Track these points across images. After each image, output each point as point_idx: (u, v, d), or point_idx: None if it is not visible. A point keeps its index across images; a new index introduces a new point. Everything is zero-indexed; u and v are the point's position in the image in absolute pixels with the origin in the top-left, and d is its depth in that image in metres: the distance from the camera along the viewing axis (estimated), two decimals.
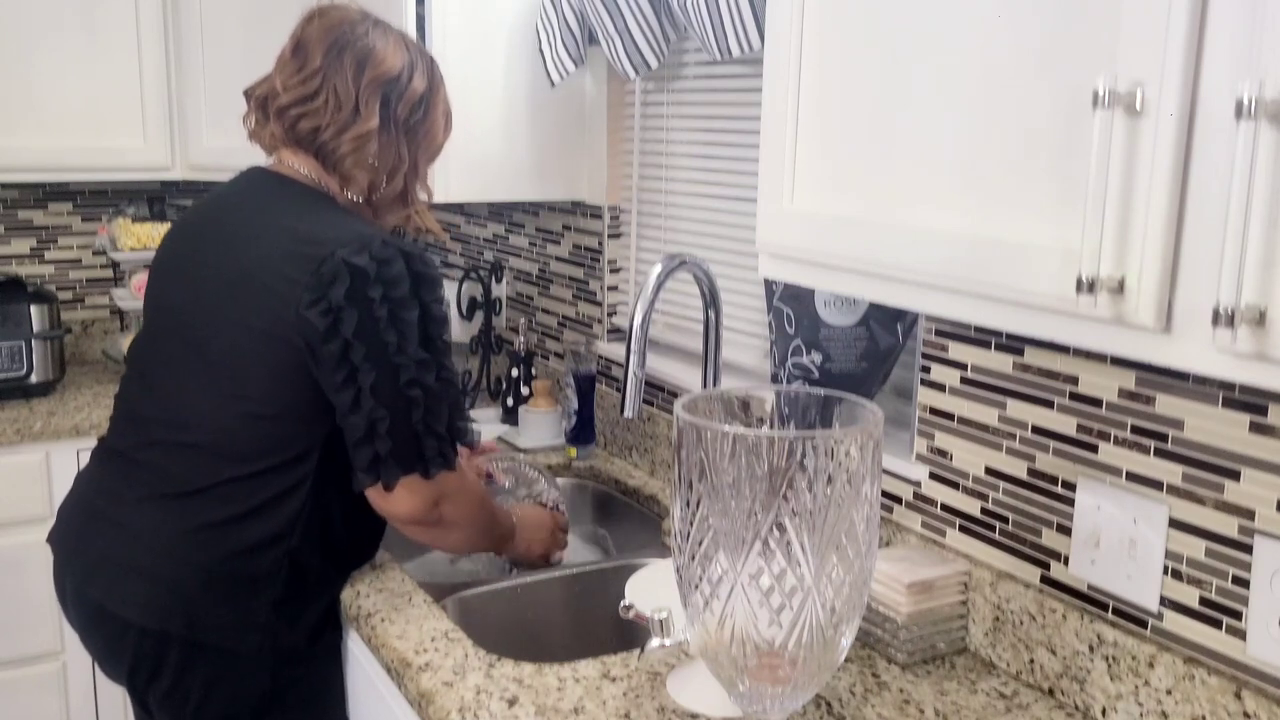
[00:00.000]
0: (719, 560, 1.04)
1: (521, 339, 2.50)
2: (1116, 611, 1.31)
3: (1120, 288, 0.90)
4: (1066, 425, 1.35)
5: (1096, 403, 1.32)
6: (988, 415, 1.46)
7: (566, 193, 2.37)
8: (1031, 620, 1.39)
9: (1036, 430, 1.39)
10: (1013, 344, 1.42)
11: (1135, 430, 1.28)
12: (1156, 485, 1.26)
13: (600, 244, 2.37)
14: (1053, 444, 1.38)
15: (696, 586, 1.07)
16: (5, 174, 2.74)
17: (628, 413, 1.72)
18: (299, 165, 1.63)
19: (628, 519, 2.17)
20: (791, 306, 1.63)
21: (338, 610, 1.66)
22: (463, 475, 1.61)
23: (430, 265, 1.53)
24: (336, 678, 1.70)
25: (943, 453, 1.53)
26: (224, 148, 2.73)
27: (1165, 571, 1.26)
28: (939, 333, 1.52)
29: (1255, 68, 0.80)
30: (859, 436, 1.03)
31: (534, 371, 2.49)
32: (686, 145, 2.15)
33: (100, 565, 1.60)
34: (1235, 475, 1.18)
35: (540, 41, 2.20)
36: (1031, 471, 1.41)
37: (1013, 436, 1.43)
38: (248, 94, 1.68)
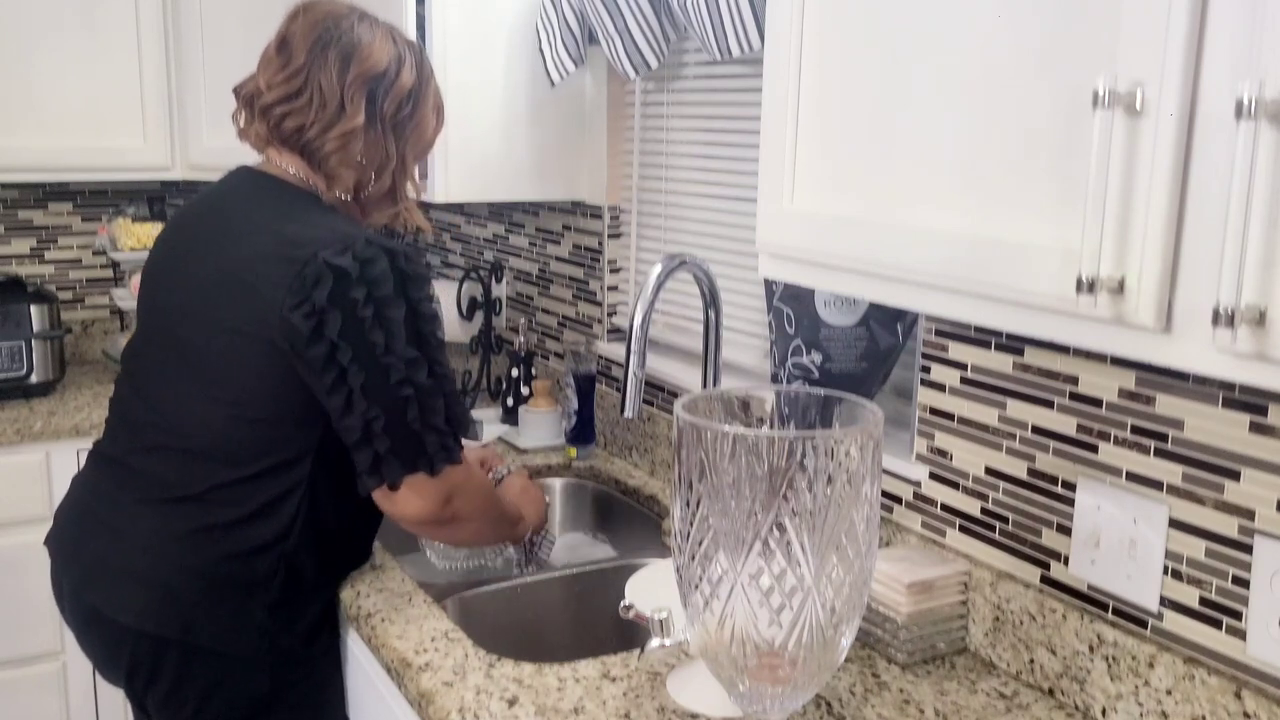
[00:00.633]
0: (719, 560, 1.04)
1: (521, 339, 2.50)
2: (1116, 611, 1.31)
3: (1120, 288, 0.90)
4: (1066, 425, 1.35)
5: (1096, 403, 1.32)
6: (988, 415, 1.46)
7: (566, 193, 2.37)
8: (1031, 620, 1.39)
9: (1036, 430, 1.39)
10: (1013, 344, 1.42)
11: (1135, 430, 1.28)
12: (1156, 485, 1.26)
13: (600, 244, 2.37)
14: (1053, 444, 1.38)
15: (696, 586, 1.07)
16: (5, 174, 2.74)
17: (628, 413, 1.72)
18: (286, 164, 1.62)
19: (628, 519, 2.17)
20: (791, 306, 1.63)
21: (335, 612, 1.66)
22: (469, 468, 1.59)
23: (416, 263, 1.52)
24: (335, 679, 1.70)
25: (943, 453, 1.53)
26: (224, 148, 2.71)
27: (1165, 571, 1.26)
28: (939, 333, 1.52)
29: (1255, 68, 0.80)
30: (859, 436, 1.03)
31: (534, 371, 2.49)
32: (686, 145, 2.15)
33: (96, 570, 1.59)
34: (1235, 475, 1.18)
35: (540, 41, 2.20)
36: (1031, 471, 1.41)
37: (1013, 436, 1.43)
38: (236, 91, 1.67)
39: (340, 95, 1.57)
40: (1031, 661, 1.40)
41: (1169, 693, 1.24)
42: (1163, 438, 1.25)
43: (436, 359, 1.51)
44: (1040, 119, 0.98)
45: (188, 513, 1.54)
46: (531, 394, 2.42)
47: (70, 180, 3.03)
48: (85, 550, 1.62)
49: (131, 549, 1.56)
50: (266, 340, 1.47)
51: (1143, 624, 1.29)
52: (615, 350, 2.33)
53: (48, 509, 2.48)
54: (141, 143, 2.80)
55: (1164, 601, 1.26)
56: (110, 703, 2.61)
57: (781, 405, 1.19)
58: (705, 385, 1.89)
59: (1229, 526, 1.19)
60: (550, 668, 1.41)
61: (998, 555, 1.46)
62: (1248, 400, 1.16)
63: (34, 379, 2.70)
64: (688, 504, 1.06)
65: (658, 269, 1.71)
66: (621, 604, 1.41)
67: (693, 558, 1.06)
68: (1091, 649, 1.32)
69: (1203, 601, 1.22)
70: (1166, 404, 1.24)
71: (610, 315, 2.38)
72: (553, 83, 2.21)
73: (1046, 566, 1.40)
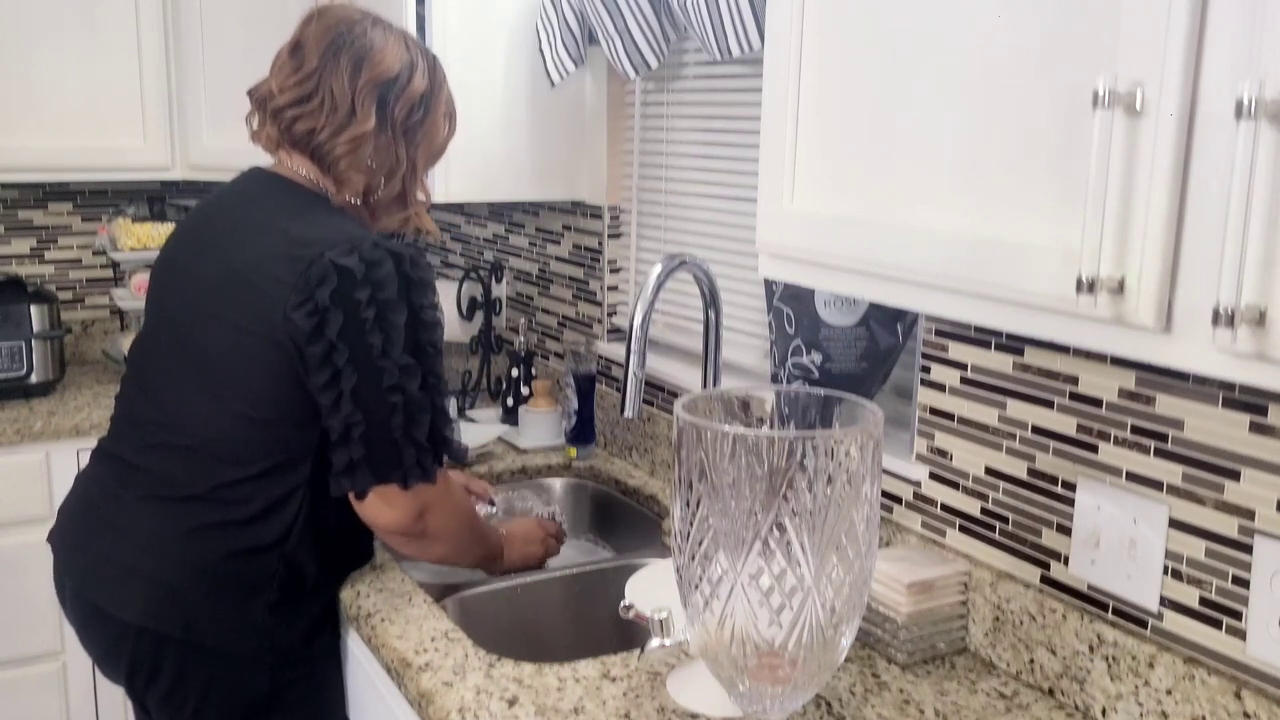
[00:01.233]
0: (719, 560, 1.04)
1: (521, 339, 2.50)
2: (1116, 611, 1.31)
3: (1120, 288, 0.90)
4: (1066, 425, 1.35)
5: (1096, 403, 1.32)
6: (988, 415, 1.46)
7: (566, 193, 2.37)
8: (1031, 620, 1.39)
9: (1036, 430, 1.39)
10: (1013, 344, 1.42)
11: (1135, 430, 1.28)
12: (1156, 485, 1.26)
13: (600, 244, 2.37)
14: (1053, 444, 1.38)
15: (696, 586, 1.07)
16: (5, 174, 2.74)
17: (628, 413, 1.72)
18: (297, 166, 1.63)
19: (628, 519, 2.17)
20: (791, 306, 1.63)
21: (335, 611, 1.66)
22: (447, 487, 1.59)
23: (423, 268, 1.51)
24: (335, 678, 1.70)
25: (943, 453, 1.53)
26: (224, 148, 2.74)
27: (1165, 571, 1.26)
28: (939, 333, 1.52)
29: (1255, 68, 0.80)
30: (859, 436, 1.03)
31: (534, 371, 2.49)
32: (686, 145, 2.15)
33: (98, 567, 1.60)
34: (1235, 475, 1.18)
35: (540, 41, 2.20)
36: (1031, 471, 1.41)
37: (1013, 436, 1.43)
38: (250, 94, 1.67)
39: (351, 99, 1.58)
40: (1031, 661, 1.40)
41: (1169, 693, 1.24)
42: (1163, 438, 1.25)
43: (431, 369, 1.51)
44: (1040, 119, 0.98)
45: (190, 511, 1.54)
46: (531, 394, 2.42)
47: (70, 180, 3.03)
48: (88, 547, 1.62)
49: (133, 546, 1.57)
50: (271, 339, 1.47)
51: (1143, 624, 1.29)
52: (615, 350, 2.33)
53: (48, 509, 2.49)
54: (141, 143, 2.80)
55: (1164, 601, 1.26)
56: (110, 702, 2.61)
57: (781, 405, 1.19)
58: (705, 385, 1.89)
59: (1229, 526, 1.19)
60: (550, 668, 1.41)
61: (998, 555, 1.46)
62: (1248, 400, 1.16)
63: (34, 379, 2.70)
64: (688, 504, 1.06)
65: (658, 269, 1.71)
66: (621, 604, 1.41)
67: (693, 558, 1.06)
68: (1091, 649, 1.32)
69: (1203, 601, 1.22)
70: (1166, 404, 1.24)
71: (610, 315, 2.38)
72: (553, 83, 2.21)
73: (1046, 566, 1.40)
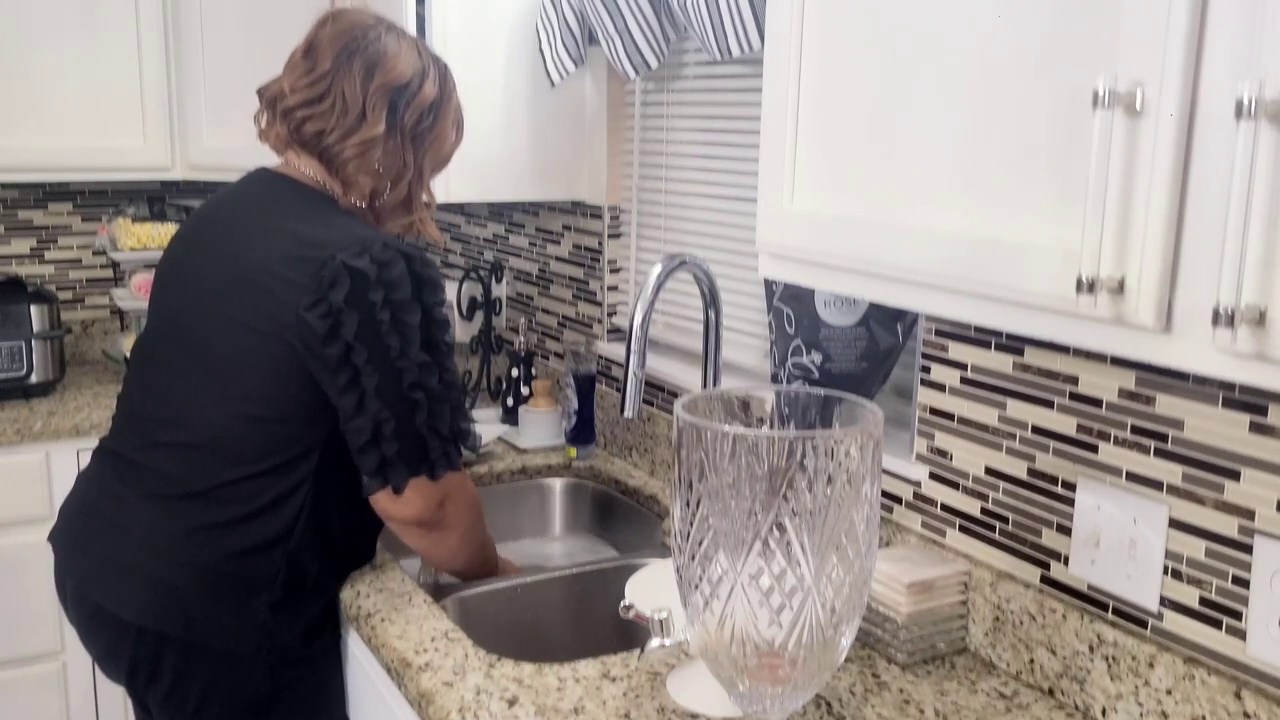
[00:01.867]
0: (719, 560, 1.04)
1: (521, 339, 2.50)
2: (1116, 611, 1.31)
3: (1120, 288, 0.90)
4: (1066, 425, 1.35)
5: (1096, 403, 1.32)
6: (988, 415, 1.46)
7: (566, 193, 2.37)
8: (1031, 620, 1.39)
9: (1036, 430, 1.39)
10: (1013, 344, 1.42)
11: (1135, 430, 1.28)
12: (1156, 485, 1.26)
13: (600, 244, 2.37)
14: (1053, 444, 1.38)
15: (696, 586, 1.07)
16: (5, 174, 2.74)
17: (628, 413, 1.72)
18: (304, 167, 1.63)
19: (628, 519, 2.17)
20: (791, 306, 1.63)
21: (336, 611, 1.66)
22: (464, 477, 1.61)
23: (432, 267, 1.53)
24: (336, 678, 1.70)
25: (943, 453, 1.53)
26: (224, 148, 2.74)
27: (1165, 571, 1.26)
28: (939, 333, 1.52)
29: (1255, 68, 0.80)
30: (859, 436, 1.03)
31: (534, 371, 2.49)
32: (686, 145, 2.15)
33: (100, 566, 1.60)
34: (1235, 475, 1.18)
35: (540, 41, 2.20)
36: (1031, 471, 1.41)
37: (1013, 436, 1.43)
38: (260, 93, 1.68)
39: (362, 103, 1.59)
40: (1031, 661, 1.40)
41: (1169, 693, 1.24)
42: (1163, 438, 1.25)
43: (446, 365, 1.53)
44: (1040, 119, 0.98)
45: (191, 510, 1.55)
46: (531, 394, 2.42)
47: (70, 180, 3.03)
48: (89, 547, 1.62)
49: (134, 545, 1.57)
50: (280, 339, 1.48)
51: (1143, 624, 1.29)
52: (615, 350, 2.33)
53: (48, 509, 2.48)
54: (141, 143, 2.80)
55: (1164, 601, 1.26)
56: (110, 702, 2.61)
57: (781, 405, 1.19)
58: (705, 385, 1.89)
59: (1229, 526, 1.19)
60: (550, 668, 1.41)
61: (998, 555, 1.46)
62: (1248, 400, 1.16)
63: (34, 379, 2.70)
64: (688, 504, 1.06)
65: (658, 269, 1.71)
66: (621, 604, 1.42)
67: (693, 558, 1.06)
68: (1091, 649, 1.32)
69: (1203, 601, 1.22)
70: (1166, 404, 1.24)
71: (610, 315, 2.38)
72: (553, 83, 2.21)
73: (1046, 566, 1.40)
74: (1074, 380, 1.34)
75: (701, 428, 1.04)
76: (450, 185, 2.20)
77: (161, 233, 2.81)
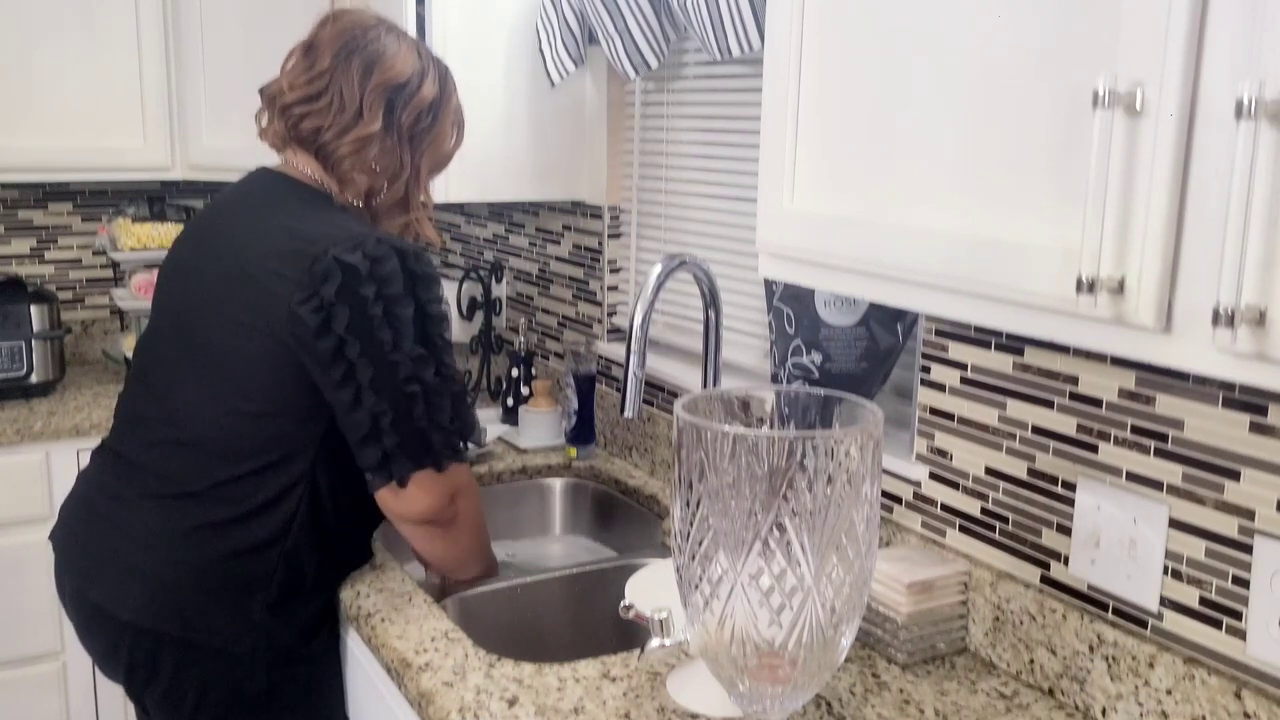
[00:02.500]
0: (719, 560, 1.04)
1: (521, 339, 2.50)
2: (1116, 611, 1.31)
3: (1120, 288, 0.90)
4: (1066, 425, 1.35)
5: (1096, 403, 1.32)
6: (988, 415, 1.46)
7: (566, 193, 2.37)
8: (1031, 620, 1.39)
9: (1036, 430, 1.39)
10: (1013, 344, 1.42)
11: (1135, 430, 1.28)
12: (1156, 485, 1.26)
13: (600, 244, 2.37)
14: (1053, 444, 1.38)
15: (696, 586, 1.07)
16: (5, 174, 2.74)
17: (628, 413, 1.72)
18: (302, 165, 1.64)
19: (628, 519, 2.17)
20: (791, 306, 1.63)
21: (334, 610, 1.66)
22: (470, 474, 1.62)
23: (426, 263, 1.53)
24: (334, 677, 1.71)
25: (943, 453, 1.53)
26: (224, 147, 2.74)
27: (1165, 571, 1.26)
28: (939, 333, 1.52)
29: (1255, 68, 0.80)
30: (859, 436, 1.03)
31: (534, 371, 2.49)
32: (686, 145, 2.15)
33: (99, 566, 1.60)
34: (1235, 475, 1.18)
35: (540, 41, 2.20)
36: (1031, 471, 1.41)
37: (1013, 436, 1.43)
38: (261, 91, 1.68)
39: (359, 101, 1.60)
40: (1031, 661, 1.40)
41: (1169, 693, 1.24)
42: (1163, 438, 1.25)
43: (443, 360, 1.53)
44: (1040, 119, 0.98)
45: (189, 509, 1.55)
46: (531, 394, 2.42)
47: (70, 180, 3.03)
48: (89, 546, 1.62)
49: (133, 545, 1.57)
50: (273, 334, 1.48)
51: (1143, 624, 1.29)
52: (615, 350, 2.33)
53: (48, 509, 2.49)
54: (141, 143, 2.80)
55: (1164, 601, 1.26)
56: (110, 702, 2.61)
57: (781, 405, 1.19)
58: (705, 385, 1.89)
59: (1229, 526, 1.19)
60: (550, 668, 1.41)
61: (998, 555, 1.46)
62: (1248, 400, 1.16)
63: (34, 379, 2.70)
64: (688, 504, 1.06)
65: (658, 269, 1.71)
66: (621, 604, 1.42)
67: (693, 558, 1.06)
68: (1091, 649, 1.32)
69: (1203, 601, 1.22)
70: (1166, 404, 1.24)
71: (610, 315, 2.38)
72: (553, 83, 2.21)
73: (1046, 566, 1.40)
74: (1074, 380, 1.34)
75: (701, 428, 1.04)
76: (450, 185, 2.20)
77: (161, 233, 2.81)
